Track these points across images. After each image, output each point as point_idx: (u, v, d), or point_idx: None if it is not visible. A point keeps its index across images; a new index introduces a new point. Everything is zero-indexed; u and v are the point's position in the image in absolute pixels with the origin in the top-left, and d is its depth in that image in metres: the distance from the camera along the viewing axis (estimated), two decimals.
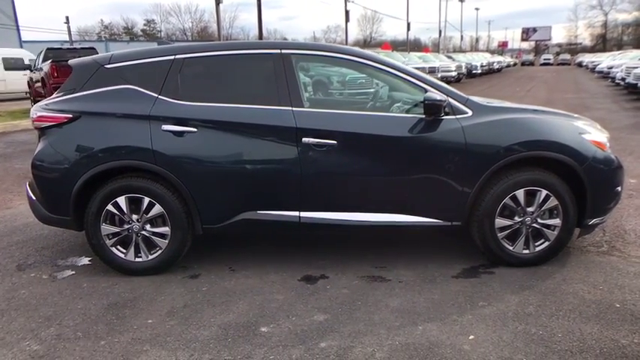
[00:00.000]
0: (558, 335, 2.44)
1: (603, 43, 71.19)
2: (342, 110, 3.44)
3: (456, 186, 3.10)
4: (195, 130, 3.04)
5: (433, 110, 2.99)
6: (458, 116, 3.09)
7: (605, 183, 3.20)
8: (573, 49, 78.02)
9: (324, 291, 2.99)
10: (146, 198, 3.10)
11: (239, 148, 3.08)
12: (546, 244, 3.21)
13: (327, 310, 2.75)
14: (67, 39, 37.51)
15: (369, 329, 2.55)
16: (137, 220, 3.14)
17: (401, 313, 2.70)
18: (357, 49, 3.68)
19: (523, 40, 79.33)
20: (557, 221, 3.17)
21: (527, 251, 3.21)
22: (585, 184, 3.11)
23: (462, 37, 71.22)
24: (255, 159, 3.08)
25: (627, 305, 2.71)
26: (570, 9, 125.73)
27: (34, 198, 3.30)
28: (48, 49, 13.61)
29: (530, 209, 3.15)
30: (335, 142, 3.03)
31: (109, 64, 3.21)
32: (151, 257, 3.20)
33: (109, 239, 3.18)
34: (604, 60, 26.76)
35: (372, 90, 3.92)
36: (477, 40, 78.40)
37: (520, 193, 3.11)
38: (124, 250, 3.20)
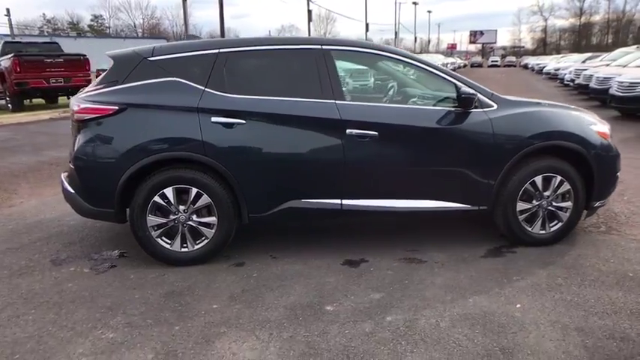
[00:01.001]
0: (591, 301, 2.76)
1: (544, 46, 75.63)
2: (380, 103, 3.64)
3: (484, 173, 3.38)
4: (244, 122, 3.15)
5: (467, 103, 3.26)
6: (485, 109, 3.38)
7: (608, 169, 3.59)
8: (517, 51, 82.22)
9: (369, 273, 3.18)
10: (194, 189, 3.17)
11: (286, 139, 3.22)
12: (559, 225, 3.56)
13: (379, 289, 2.95)
14: (8, 32, 35.39)
15: (425, 303, 2.77)
16: (184, 211, 3.21)
17: (448, 289, 2.94)
18: (390, 46, 3.90)
19: (471, 42, 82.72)
20: (569, 204, 3.52)
21: (543, 232, 3.55)
22: (593, 170, 3.49)
23: (415, 38, 73.46)
24: (301, 149, 3.23)
25: (639, 275, 3.09)
26: (514, 14, 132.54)
27: (72, 191, 3.28)
28: (5, 42, 12.91)
29: (546, 193, 3.48)
30: (376, 133, 3.23)
31: (152, 56, 3.24)
32: (197, 247, 3.27)
33: (155, 230, 3.22)
34: (549, 62, 28.52)
35: (390, 85, 4.14)
36: (429, 41, 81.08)
37: (538, 179, 3.44)
38: (169, 241, 3.25)
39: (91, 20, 68.95)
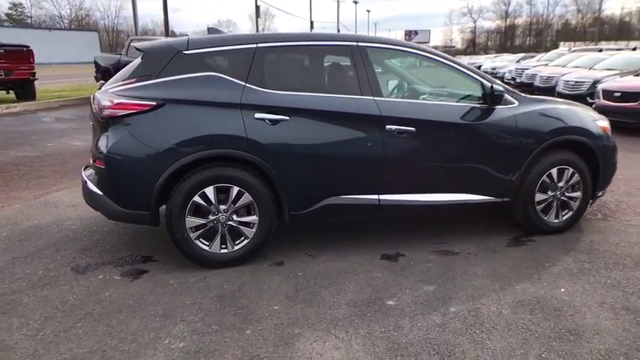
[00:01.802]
0: (623, 282, 3.00)
1: (473, 46, 79.83)
2: (415, 100, 3.69)
3: (508, 166, 3.55)
4: (288, 118, 3.08)
5: (497, 100, 3.41)
6: (508, 106, 3.54)
7: (611, 161, 3.91)
8: (449, 51, 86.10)
9: (411, 266, 3.25)
10: (235, 187, 3.06)
11: (328, 136, 3.19)
12: (570, 213, 3.82)
13: (429, 282, 3.02)
14: None
15: (478, 293, 2.88)
16: (224, 211, 3.09)
17: (492, 278, 3.07)
18: (419, 44, 3.95)
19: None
20: (578, 194, 3.79)
21: (557, 220, 3.79)
22: (600, 162, 3.78)
23: None
24: (342, 145, 3.22)
25: None
26: (446, 15, 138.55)
27: (99, 192, 3.05)
28: None
29: (560, 184, 3.73)
30: (413, 129, 3.29)
31: (187, 49, 3.08)
32: (236, 248, 3.17)
33: (193, 232, 3.07)
34: (484, 61, 30.19)
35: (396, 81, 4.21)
36: None
37: (554, 171, 3.67)
38: (207, 243, 3.12)
39: (9, 8, 63.29)
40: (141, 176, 2.96)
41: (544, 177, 3.66)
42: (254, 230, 3.17)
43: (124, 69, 3.47)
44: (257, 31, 31.43)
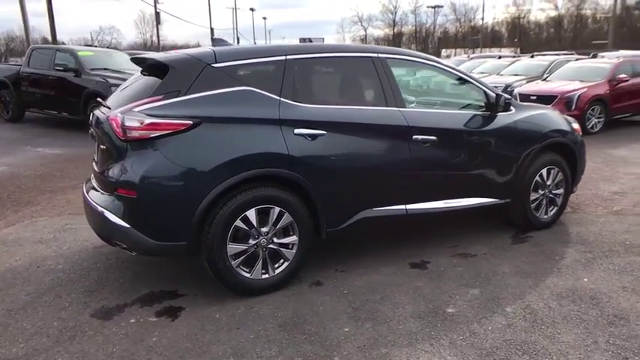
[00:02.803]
0: (627, 267, 3.38)
1: None
2: (433, 109, 3.78)
3: (511, 169, 3.82)
4: (324, 132, 3.00)
5: (506, 108, 3.65)
6: (509, 112, 3.81)
7: (584, 158, 4.38)
8: None
9: (443, 272, 3.33)
10: (276, 208, 2.90)
11: (361, 149, 3.16)
12: (555, 209, 4.21)
13: (470, 285, 3.13)
14: None
15: (519, 291, 3.05)
16: (265, 233, 2.91)
17: (521, 276, 3.27)
18: (431, 56, 4.04)
19: None
20: (562, 191, 4.19)
21: (546, 216, 4.15)
22: (577, 160, 4.23)
23: (255, 43, 74.02)
24: (374, 157, 3.21)
25: (630, 241, 3.85)
26: (338, 23, 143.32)
27: (126, 226, 2.69)
28: None
29: (548, 183, 4.09)
30: (435, 138, 3.40)
31: (215, 62, 2.86)
32: (277, 271, 3.00)
33: (234, 259, 2.85)
34: None
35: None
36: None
37: (544, 171, 4.03)
38: (248, 269, 2.91)
39: None
40: (180, 203, 2.68)
41: (537, 177, 3.99)
42: (294, 251, 3.03)
43: (129, 85, 3.12)
44: (158, 39, 29.80)
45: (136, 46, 66.36)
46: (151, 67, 3.09)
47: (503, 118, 3.76)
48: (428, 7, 65.20)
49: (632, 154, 7.24)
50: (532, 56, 15.41)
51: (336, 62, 3.29)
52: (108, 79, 8.88)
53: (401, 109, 3.32)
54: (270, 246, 2.95)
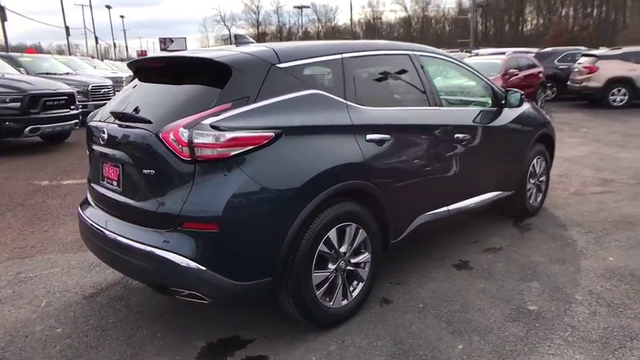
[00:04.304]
0: (631, 242, 3.73)
1: None
2: (463, 107, 3.68)
3: (517, 160, 3.98)
4: (389, 136, 2.74)
5: (520, 103, 3.77)
6: (511, 108, 3.95)
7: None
8: None
9: (489, 270, 3.32)
10: (353, 224, 2.58)
11: (418, 151, 2.98)
12: (541, 195, 4.51)
13: (525, 279, 3.16)
14: None
15: (570, 278, 3.16)
16: (343, 255, 2.57)
17: (558, 263, 3.39)
18: (452, 54, 3.92)
19: (162, 49, 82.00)
20: (544, 178, 4.51)
21: (536, 203, 4.43)
22: (553, 149, 4.58)
23: (114, 44, 67.44)
24: (428, 160, 3.06)
25: (612, 218, 4.27)
26: (200, 22, 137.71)
27: (201, 268, 2.12)
28: None
29: (538, 172, 4.36)
30: (468, 135, 3.36)
31: (280, 62, 2.41)
32: (354, 295, 2.68)
33: (318, 290, 2.46)
34: None
35: None
36: (115, 46, 75.61)
37: (536, 161, 4.28)
38: (328, 298, 2.55)
39: None
40: (269, 232, 2.21)
41: (531, 167, 4.22)
42: (367, 270, 2.74)
43: (133, 95, 2.54)
44: (5, 35, 25.26)
45: None
46: (188, 69, 2.51)
47: (510, 113, 3.89)
48: (295, 7, 66.38)
49: None
50: None
51: (382, 60, 3.04)
52: None
53: (441, 108, 3.22)
54: (348, 268, 2.62)
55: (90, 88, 11.23)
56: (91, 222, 2.60)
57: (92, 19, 71.07)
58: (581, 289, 3.00)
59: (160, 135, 2.16)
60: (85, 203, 2.87)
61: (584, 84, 11.95)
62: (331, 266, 2.52)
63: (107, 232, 2.43)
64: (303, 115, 2.40)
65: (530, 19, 74.57)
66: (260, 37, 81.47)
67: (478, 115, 3.59)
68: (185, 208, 2.12)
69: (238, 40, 2.89)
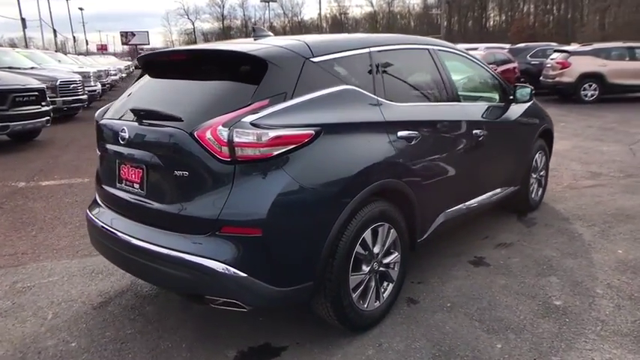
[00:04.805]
0: (635, 235, 3.82)
1: None
2: (478, 102, 3.64)
3: (523, 155, 4.01)
4: (417, 133, 2.68)
5: (531, 98, 3.78)
6: (518, 103, 3.96)
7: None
8: None
9: (506, 266, 3.32)
10: (386, 224, 2.51)
11: (443, 147, 2.94)
12: (541, 189, 4.57)
13: (544, 274, 3.18)
14: None
15: (586, 272, 3.19)
16: (376, 256, 2.49)
17: (571, 257, 3.43)
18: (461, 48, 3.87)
19: (123, 43, 79.42)
20: (544, 172, 4.57)
21: (537, 198, 4.48)
22: (552, 144, 4.64)
23: (74, 38, 64.53)
24: (451, 156, 3.02)
25: (610, 211, 4.37)
26: (163, 16, 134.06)
27: (241, 274, 2.00)
28: None
29: (539, 166, 4.41)
30: (486, 131, 3.34)
31: (313, 56, 2.30)
32: (385, 296, 2.61)
33: (354, 293, 2.38)
34: None
35: None
36: (75, 40, 72.58)
37: (538, 156, 4.33)
38: (362, 300, 2.47)
39: None
40: (311, 235, 2.10)
41: (533, 162, 4.26)
42: (397, 270, 2.68)
43: (143, 91, 2.39)
44: None
45: None
46: (215, 64, 2.35)
47: (522, 107, 3.92)
48: (261, 0, 65.58)
49: None
50: None
51: (405, 55, 2.96)
52: None
53: (460, 103, 3.19)
54: (380, 269, 2.55)
55: (58, 83, 10.67)
56: (106, 227, 2.42)
57: (49, 11, 67.88)
58: (599, 283, 3.04)
59: (195, 134, 2.01)
60: (94, 206, 2.68)
61: (557, 79, 12.29)
62: (365, 268, 2.44)
63: (128, 238, 2.26)
64: (340, 112, 2.30)
65: (493, 16, 76.43)
66: (225, 32, 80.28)
67: (492, 110, 3.58)
68: (224, 211, 1.99)
69: (257, 32, 2.76)
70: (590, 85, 12.17)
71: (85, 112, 12.06)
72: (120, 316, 2.72)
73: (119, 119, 2.43)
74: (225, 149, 1.97)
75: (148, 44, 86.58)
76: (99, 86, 14.94)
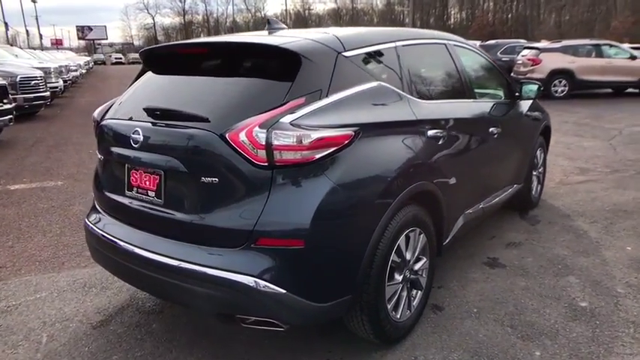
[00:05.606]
0: (630, 231, 3.84)
1: (155, 43, 78.45)
2: (491, 100, 3.53)
3: (528, 152, 3.97)
4: (444, 132, 2.55)
5: (537, 95, 3.72)
6: (523, 99, 3.91)
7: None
8: (128, 48, 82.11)
9: (521, 267, 3.25)
10: (417, 229, 2.36)
11: (467, 146, 2.83)
12: (539, 186, 4.56)
13: (561, 274, 3.12)
14: None
15: (602, 270, 3.16)
16: (408, 263, 2.35)
17: (583, 255, 3.40)
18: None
19: (80, 38, 76.31)
20: (542, 169, 4.56)
21: (537, 195, 4.47)
22: (549, 141, 4.64)
23: (27, 32, 60.92)
24: (474, 155, 2.91)
25: (608, 207, 4.41)
26: (122, 10, 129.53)
27: (280, 290, 1.80)
28: None
29: (539, 163, 4.39)
30: (500, 128, 3.26)
31: (345, 51, 2.12)
32: (414, 304, 2.47)
33: (389, 304, 2.22)
34: None
35: None
36: (28, 34, 68.96)
37: (538, 153, 4.30)
38: (395, 311, 2.32)
39: None
40: (353, 245, 1.93)
41: (534, 159, 4.23)
42: (425, 277, 2.54)
43: (150, 90, 2.16)
44: None
45: None
46: (240, 58, 2.13)
47: (526, 104, 3.87)
48: None
49: None
50: None
51: (426, 50, 2.82)
52: None
53: (477, 100, 3.09)
54: (412, 277, 2.41)
55: (18, 79, 10.00)
56: (114, 239, 2.16)
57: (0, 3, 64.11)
58: (618, 282, 3.01)
59: (227, 136, 1.80)
60: (94, 215, 2.41)
61: (528, 75, 12.55)
62: (398, 277, 2.29)
63: (142, 252, 2.02)
64: (375, 110, 2.14)
65: (454, 13, 78.06)
66: (186, 27, 78.42)
67: (503, 107, 3.51)
68: (261, 221, 1.79)
69: (272, 24, 2.55)
70: (560, 82, 12.50)
71: (46, 109, 11.39)
72: (125, 336, 2.47)
73: (128, 120, 2.17)
74: (261, 153, 1.77)
75: (106, 39, 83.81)
76: (61, 82, 14.21)
